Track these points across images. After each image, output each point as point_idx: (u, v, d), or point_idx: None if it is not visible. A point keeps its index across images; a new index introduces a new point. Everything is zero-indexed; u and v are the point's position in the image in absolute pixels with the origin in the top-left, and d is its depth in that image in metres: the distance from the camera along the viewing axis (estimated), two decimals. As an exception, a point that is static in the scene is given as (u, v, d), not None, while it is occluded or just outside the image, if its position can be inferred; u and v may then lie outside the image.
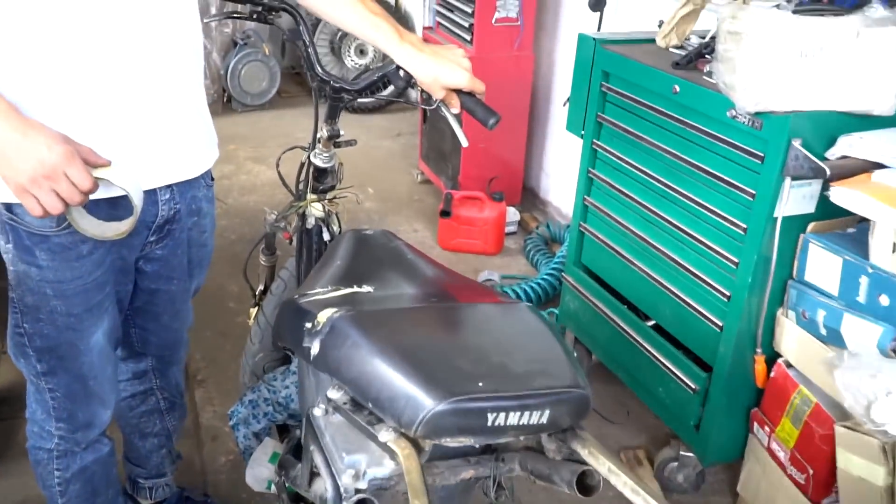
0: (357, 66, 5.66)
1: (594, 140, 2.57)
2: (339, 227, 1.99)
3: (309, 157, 1.88)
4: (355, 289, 1.32)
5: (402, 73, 1.59)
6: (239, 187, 4.42)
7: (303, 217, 1.95)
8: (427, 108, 1.65)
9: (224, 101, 5.62)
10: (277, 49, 5.79)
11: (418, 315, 1.22)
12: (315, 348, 1.17)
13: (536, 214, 4.20)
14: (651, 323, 2.48)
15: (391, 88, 1.66)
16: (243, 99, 5.60)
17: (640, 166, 2.40)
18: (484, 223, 3.77)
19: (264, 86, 5.61)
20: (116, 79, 1.38)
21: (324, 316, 1.21)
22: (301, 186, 1.95)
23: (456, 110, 1.58)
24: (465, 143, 1.62)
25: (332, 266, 1.43)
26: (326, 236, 1.94)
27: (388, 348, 1.08)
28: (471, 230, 3.79)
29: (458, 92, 1.55)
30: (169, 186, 1.54)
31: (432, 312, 1.23)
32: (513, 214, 4.01)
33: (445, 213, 3.74)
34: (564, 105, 3.51)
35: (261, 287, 2.33)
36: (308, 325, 1.22)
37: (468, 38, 3.85)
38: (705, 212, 2.17)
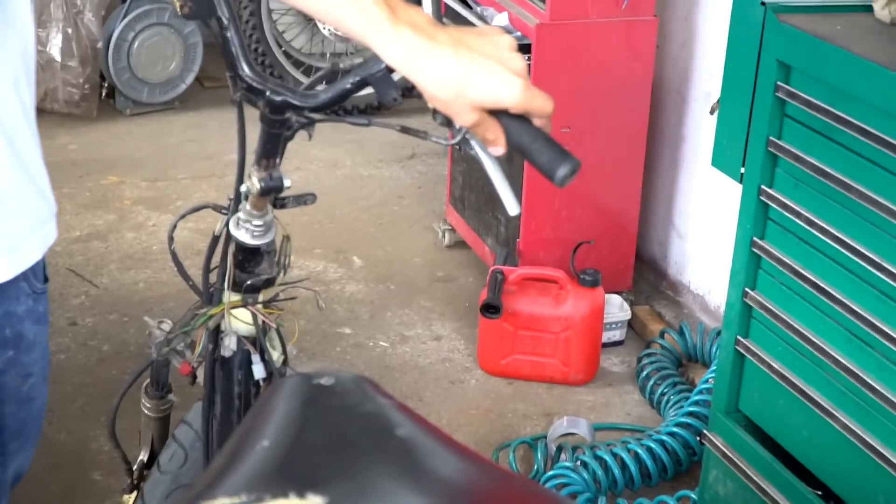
0: (341, 36, 5.73)
1: (763, 187, 2.58)
2: (284, 352, 1.99)
3: (227, 226, 1.88)
4: (293, 501, 1.27)
5: (395, 78, 1.60)
6: (121, 255, 4.45)
7: (216, 335, 1.96)
8: (444, 143, 1.65)
9: (102, 96, 5.71)
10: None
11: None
12: None
13: (661, 309, 4.20)
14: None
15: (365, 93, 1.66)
16: (136, 93, 5.68)
17: (850, 241, 2.38)
18: (563, 326, 3.76)
19: (173, 69, 5.68)
20: None
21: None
22: (214, 279, 1.95)
23: (498, 150, 1.56)
24: (513, 209, 1.62)
25: (255, 448, 1.39)
26: (258, 372, 1.94)
27: None
28: (539, 339, 3.79)
29: (503, 115, 1.54)
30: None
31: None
32: (617, 309, 4.01)
33: (492, 309, 3.72)
34: (712, 113, 3.48)
35: (142, 456, 2.35)
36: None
37: (537, -10, 3.88)
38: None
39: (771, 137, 2.53)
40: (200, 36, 5.68)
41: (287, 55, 5.81)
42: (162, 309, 3.94)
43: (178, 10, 1.74)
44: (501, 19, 3.91)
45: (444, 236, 4.60)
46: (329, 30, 5.78)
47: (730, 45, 2.62)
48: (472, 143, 1.61)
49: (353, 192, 5.04)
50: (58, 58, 5.41)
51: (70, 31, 5.39)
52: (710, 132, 3.29)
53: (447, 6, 4.22)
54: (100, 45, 5.50)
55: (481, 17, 4.00)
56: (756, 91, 2.54)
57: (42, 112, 5.45)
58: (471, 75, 1.49)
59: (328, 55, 5.98)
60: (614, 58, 3.90)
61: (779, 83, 2.48)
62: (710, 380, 3.39)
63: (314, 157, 5.19)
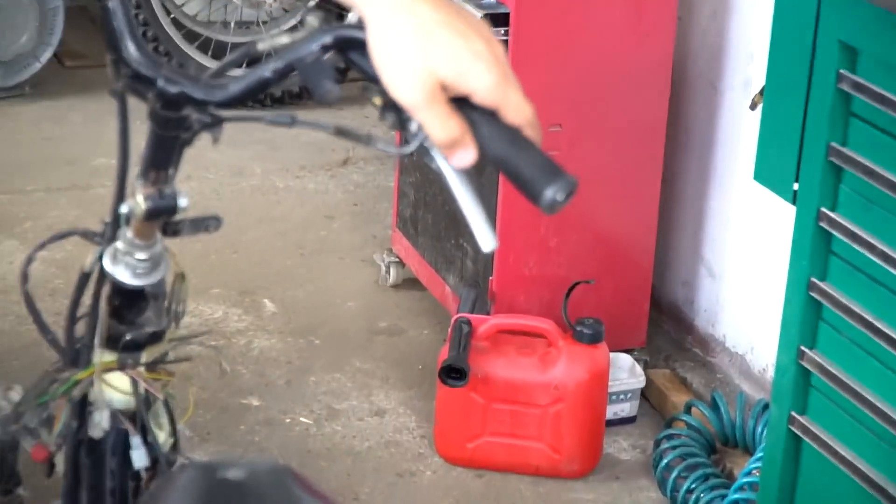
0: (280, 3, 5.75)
1: (823, 210, 2.61)
2: (174, 433, 2.00)
3: (101, 259, 1.88)
4: None
5: (332, 58, 1.63)
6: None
7: (82, 409, 1.96)
8: (395, 151, 1.68)
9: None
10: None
11: None
12: None
13: (686, 373, 4.22)
14: None
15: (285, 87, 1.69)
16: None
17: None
18: (553, 397, 3.78)
19: (24, 43, 5.71)
20: None
21: None
22: (82, 332, 1.96)
23: (467, 155, 1.59)
24: (487, 243, 1.63)
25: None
26: (139, 460, 1.94)
27: None
28: (520, 415, 3.80)
29: (472, 110, 1.58)
30: None
31: None
32: (627, 374, 4.04)
33: (456, 373, 3.72)
34: (753, 108, 3.52)
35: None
36: None
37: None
38: None
39: (832, 144, 2.55)
40: (62, 1, 5.69)
41: (177, 24, 5.81)
42: (4, 370, 3.93)
43: None
44: (472, -19, 3.93)
45: (388, 272, 4.60)
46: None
47: (776, 19, 2.64)
48: (433, 152, 1.62)
49: (264, 210, 5.05)
50: None
51: None
52: (751, 134, 3.30)
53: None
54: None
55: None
56: (812, 81, 2.56)
57: None
58: (441, 35, 1.54)
59: (232, 25, 5.99)
60: (621, 34, 3.93)
61: (842, 72, 2.50)
62: (754, 471, 3.39)
63: (211, 163, 5.20)
